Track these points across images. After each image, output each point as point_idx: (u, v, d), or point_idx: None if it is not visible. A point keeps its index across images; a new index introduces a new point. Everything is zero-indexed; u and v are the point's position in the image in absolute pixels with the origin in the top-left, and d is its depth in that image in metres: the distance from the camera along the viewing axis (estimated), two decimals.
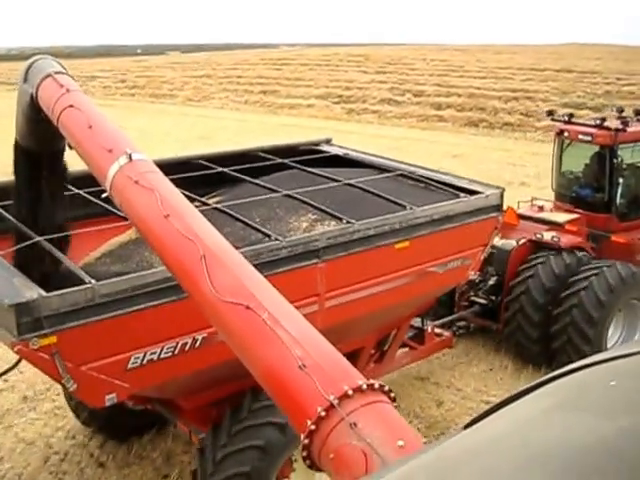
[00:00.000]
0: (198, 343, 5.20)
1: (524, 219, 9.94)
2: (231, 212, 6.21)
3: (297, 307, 3.52)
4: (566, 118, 10.23)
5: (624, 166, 9.81)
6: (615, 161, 9.60)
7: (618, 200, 9.81)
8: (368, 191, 6.97)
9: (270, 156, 8.19)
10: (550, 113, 10.79)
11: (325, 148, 8.87)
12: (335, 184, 7.12)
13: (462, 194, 7.20)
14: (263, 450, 5.49)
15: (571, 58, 41.84)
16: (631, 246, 9.65)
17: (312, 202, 6.51)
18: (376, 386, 2.92)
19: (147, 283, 4.85)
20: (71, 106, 4.81)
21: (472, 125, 30.61)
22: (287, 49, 73.68)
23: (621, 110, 10.14)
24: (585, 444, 1.34)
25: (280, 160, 8.01)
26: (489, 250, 8.39)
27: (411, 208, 6.61)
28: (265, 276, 3.69)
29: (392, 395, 2.98)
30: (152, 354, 5.03)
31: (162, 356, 5.09)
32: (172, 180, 4.35)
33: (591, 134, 9.70)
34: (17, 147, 5.83)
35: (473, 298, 9.70)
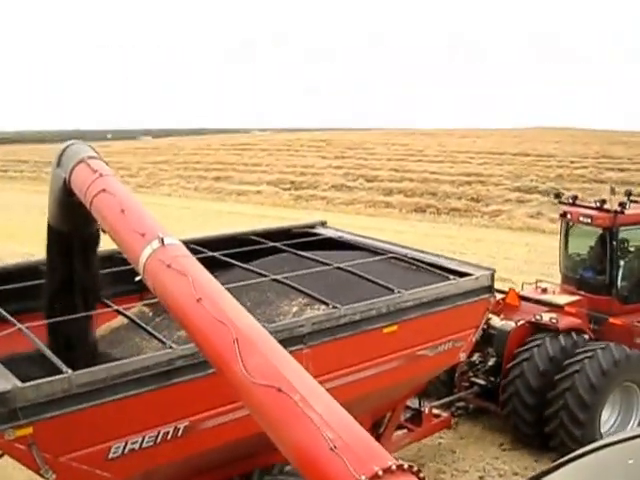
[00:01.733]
0: (180, 432, 5.18)
1: (526, 301, 9.90)
2: None
3: None
4: (571, 200, 10.32)
5: (631, 249, 9.87)
6: (614, 243, 9.63)
7: (619, 283, 9.80)
8: (358, 275, 7.02)
9: (262, 239, 8.33)
10: (557, 196, 10.91)
11: (320, 231, 9.00)
12: (325, 268, 7.19)
13: (452, 276, 7.24)
14: None
15: (532, 141, 42.22)
16: (629, 328, 9.54)
17: (300, 287, 6.56)
18: (405, 467, 3.03)
19: (126, 372, 4.86)
20: (104, 190, 5.04)
21: (419, 211, 30.06)
22: (257, 134, 74.43)
23: (629, 193, 10.19)
24: None
25: (272, 244, 8.13)
26: (484, 331, 8.36)
27: (399, 291, 6.63)
28: None
29: (422, 475, 3.06)
30: (133, 443, 5.00)
31: (144, 445, 5.06)
32: None
33: (590, 216, 9.78)
34: (50, 229, 6.03)
35: (473, 379, 9.59)
